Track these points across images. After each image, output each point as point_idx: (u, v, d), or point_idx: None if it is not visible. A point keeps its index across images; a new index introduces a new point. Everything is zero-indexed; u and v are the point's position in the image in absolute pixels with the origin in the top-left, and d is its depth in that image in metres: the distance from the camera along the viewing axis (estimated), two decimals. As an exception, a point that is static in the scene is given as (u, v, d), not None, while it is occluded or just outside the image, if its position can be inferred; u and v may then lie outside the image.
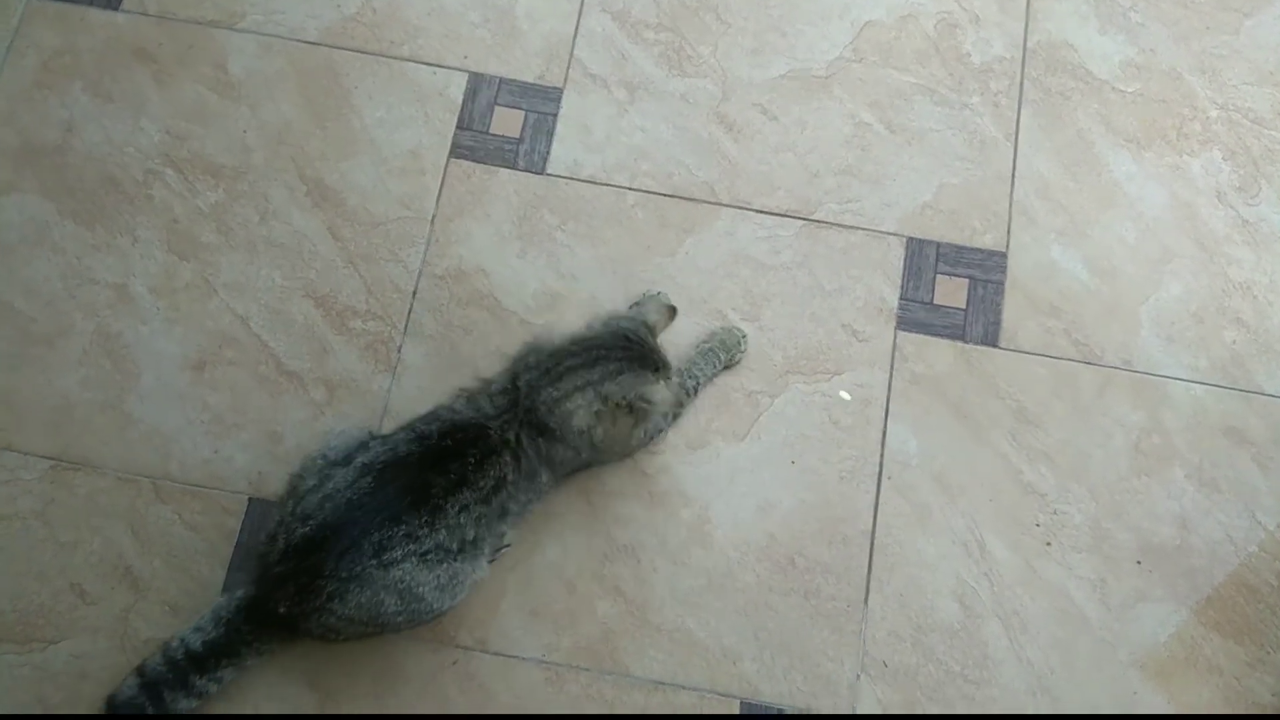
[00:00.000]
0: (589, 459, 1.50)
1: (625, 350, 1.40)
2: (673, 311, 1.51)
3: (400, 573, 1.33)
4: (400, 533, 1.32)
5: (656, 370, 1.42)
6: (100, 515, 1.54)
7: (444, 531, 1.34)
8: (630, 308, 1.49)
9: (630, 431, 1.49)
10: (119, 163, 1.72)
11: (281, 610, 1.35)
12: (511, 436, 1.39)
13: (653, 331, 1.45)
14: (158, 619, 1.50)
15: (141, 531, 1.54)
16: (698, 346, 1.61)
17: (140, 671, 1.39)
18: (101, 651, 1.48)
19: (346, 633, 1.40)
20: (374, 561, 1.32)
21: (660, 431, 1.57)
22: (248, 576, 1.43)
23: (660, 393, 1.43)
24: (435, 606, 1.39)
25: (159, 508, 1.55)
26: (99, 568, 1.52)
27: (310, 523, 1.33)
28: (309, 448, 1.46)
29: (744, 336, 1.63)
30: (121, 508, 1.55)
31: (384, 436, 1.42)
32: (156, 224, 1.69)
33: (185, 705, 1.39)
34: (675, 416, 1.58)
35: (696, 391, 1.59)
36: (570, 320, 1.65)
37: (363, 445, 1.40)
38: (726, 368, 1.62)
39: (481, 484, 1.36)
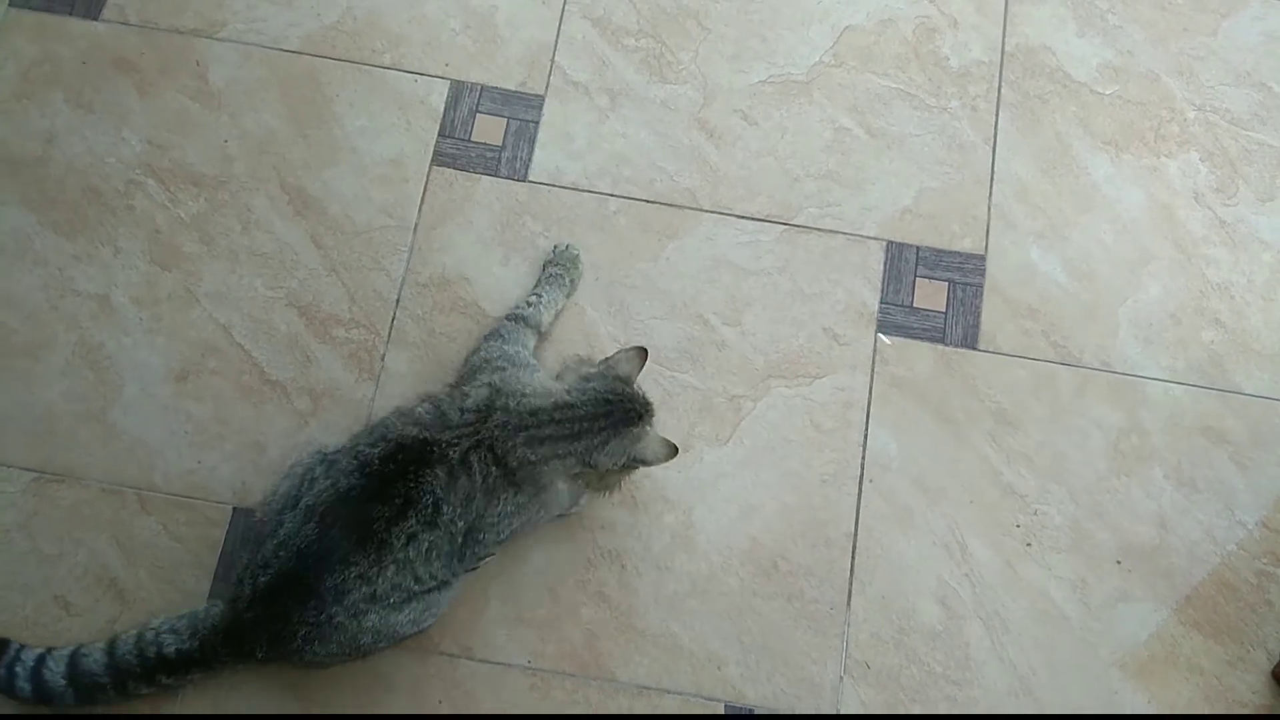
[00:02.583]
0: (539, 517, 1.46)
1: (607, 416, 1.38)
2: (643, 354, 1.46)
3: (373, 620, 1.33)
4: (353, 574, 1.31)
5: (639, 419, 1.40)
6: (84, 527, 1.54)
7: (393, 567, 1.32)
8: (600, 364, 1.45)
9: (615, 483, 1.48)
10: (100, 173, 1.72)
11: (259, 656, 1.36)
12: (457, 454, 1.34)
13: (627, 381, 1.42)
14: (143, 629, 1.50)
15: (126, 543, 1.54)
16: (538, 281, 1.65)
17: (111, 650, 1.38)
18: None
19: (330, 664, 1.42)
20: (338, 608, 1.31)
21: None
22: (227, 592, 1.42)
23: (652, 444, 1.41)
24: (415, 631, 1.41)
25: (143, 519, 1.55)
26: (83, 580, 1.52)
27: (269, 570, 1.33)
28: (293, 457, 1.46)
29: (574, 246, 1.66)
30: (105, 519, 1.55)
31: (330, 461, 1.38)
32: (138, 234, 1.69)
33: (146, 692, 1.40)
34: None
35: (552, 323, 1.62)
36: (553, 328, 1.65)
37: (310, 479, 1.36)
38: (572, 286, 1.65)
39: (425, 504, 1.32)
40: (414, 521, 1.32)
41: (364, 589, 1.31)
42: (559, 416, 1.38)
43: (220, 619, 1.37)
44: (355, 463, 1.34)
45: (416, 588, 1.35)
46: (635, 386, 1.43)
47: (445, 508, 1.34)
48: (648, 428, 1.41)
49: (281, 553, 1.33)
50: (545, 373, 1.50)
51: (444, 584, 1.39)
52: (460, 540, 1.37)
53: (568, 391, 1.40)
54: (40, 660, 1.38)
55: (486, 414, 1.37)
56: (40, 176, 1.71)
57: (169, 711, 1.46)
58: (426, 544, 1.34)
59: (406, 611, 1.36)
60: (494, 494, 1.37)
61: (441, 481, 1.33)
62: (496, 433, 1.36)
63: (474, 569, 1.48)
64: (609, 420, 1.38)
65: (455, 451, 1.34)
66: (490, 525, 1.39)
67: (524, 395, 1.39)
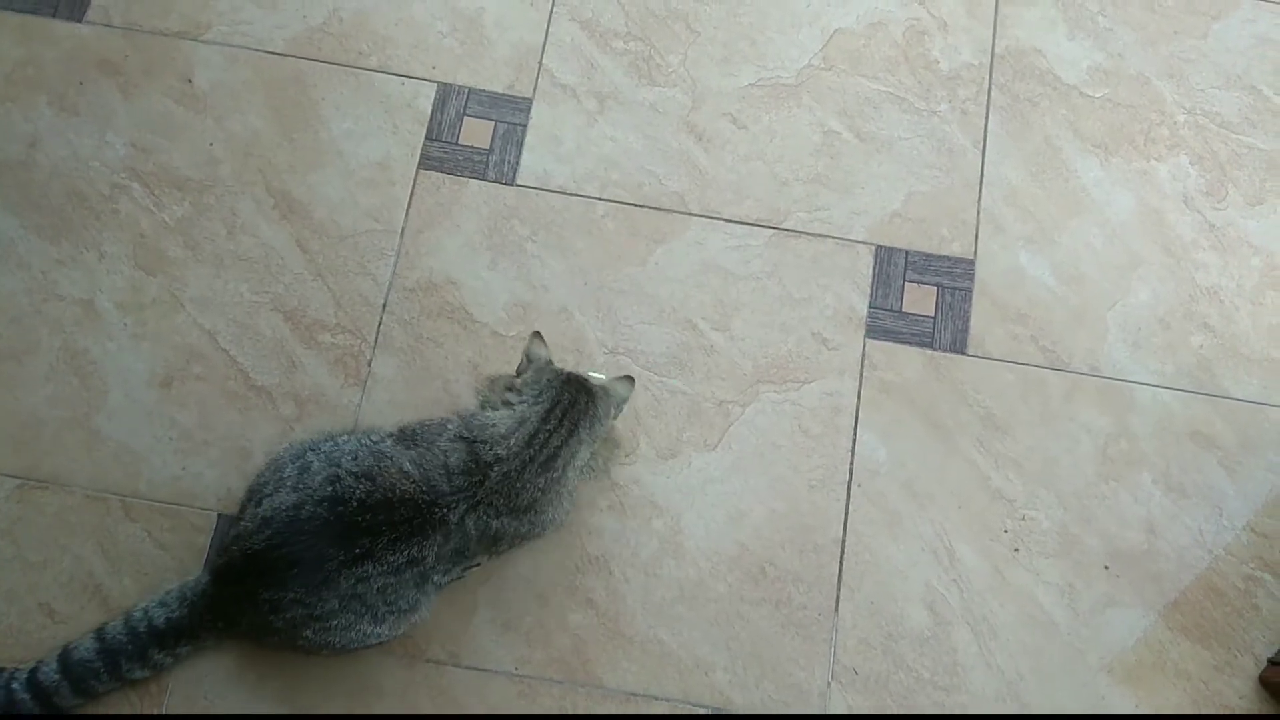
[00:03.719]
0: (538, 533, 1.46)
1: (576, 392, 1.40)
2: (539, 335, 1.48)
3: (307, 634, 1.33)
4: (289, 598, 1.30)
5: (588, 378, 1.44)
6: (69, 534, 1.54)
7: (335, 601, 1.30)
8: (519, 368, 1.46)
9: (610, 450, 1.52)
10: (84, 177, 1.70)
11: (219, 626, 1.40)
12: (455, 517, 1.33)
13: (551, 361, 1.45)
14: (128, 637, 1.49)
15: (111, 550, 1.53)
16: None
17: (100, 636, 1.39)
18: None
19: (284, 649, 1.43)
20: (274, 617, 1.32)
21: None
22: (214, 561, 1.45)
23: (615, 387, 1.45)
24: (366, 646, 1.41)
25: (128, 525, 1.54)
26: (68, 587, 1.51)
27: (223, 558, 1.37)
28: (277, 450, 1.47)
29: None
30: (90, 526, 1.54)
31: (303, 466, 1.35)
32: (123, 238, 1.68)
33: (139, 675, 1.42)
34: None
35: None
36: (541, 327, 1.65)
37: (279, 479, 1.35)
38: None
39: (392, 560, 1.30)
40: (371, 569, 1.30)
41: (300, 611, 1.31)
42: (551, 425, 1.38)
43: (208, 587, 1.40)
44: (330, 491, 1.30)
45: (364, 615, 1.34)
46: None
47: (424, 565, 1.33)
48: (597, 377, 1.45)
49: (235, 547, 1.35)
50: (473, 406, 1.48)
51: (397, 614, 1.37)
52: (431, 577, 1.38)
53: (535, 401, 1.38)
54: (34, 669, 1.39)
55: (479, 472, 1.34)
56: (23, 180, 1.70)
57: (157, 713, 1.46)
58: (380, 585, 1.32)
59: (343, 637, 1.35)
60: (496, 535, 1.38)
61: (435, 545, 1.33)
62: (499, 487, 1.34)
63: (460, 577, 1.48)
64: (585, 394, 1.40)
65: (453, 515, 1.33)
66: (485, 550, 1.42)
67: (501, 435, 1.36)
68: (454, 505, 1.33)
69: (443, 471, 1.34)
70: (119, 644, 1.39)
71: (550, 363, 1.45)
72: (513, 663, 1.51)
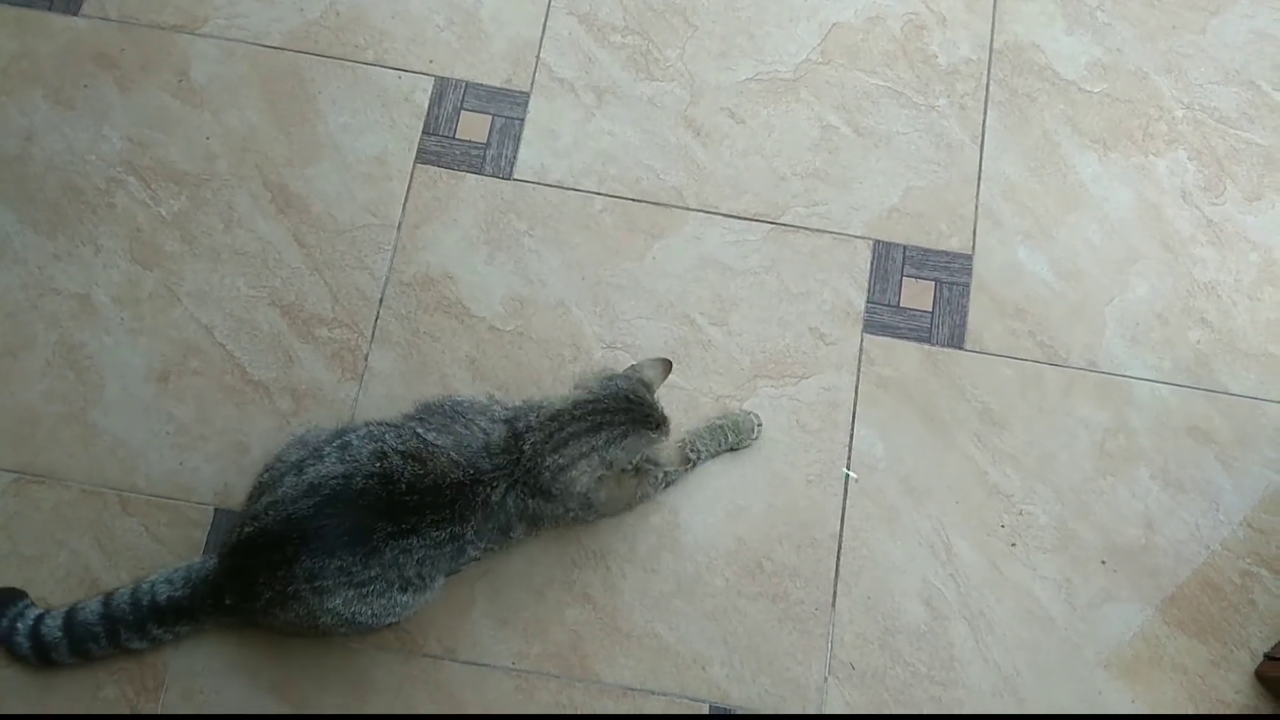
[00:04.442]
0: (578, 518, 1.49)
1: (627, 412, 1.38)
2: (668, 365, 1.47)
3: (337, 602, 1.33)
4: (333, 566, 1.31)
5: (657, 428, 1.41)
6: (65, 528, 1.53)
7: (378, 569, 1.33)
8: (627, 369, 1.45)
9: (632, 492, 1.50)
10: (81, 171, 1.70)
11: (228, 602, 1.39)
12: (496, 496, 1.36)
13: (650, 388, 1.43)
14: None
15: (107, 544, 1.53)
16: (709, 422, 1.58)
17: (107, 602, 1.42)
18: (68, 666, 1.47)
19: (293, 631, 1.42)
20: (307, 586, 1.32)
21: (648, 496, 1.55)
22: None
23: (665, 452, 1.44)
24: (376, 625, 1.40)
25: (125, 520, 1.54)
26: (65, 581, 1.51)
27: (255, 524, 1.35)
28: (299, 430, 1.49)
29: (759, 425, 1.59)
30: (87, 520, 1.54)
31: (345, 444, 1.37)
32: (119, 233, 1.67)
33: (136, 645, 1.44)
34: (669, 483, 1.56)
35: (696, 465, 1.57)
36: (537, 327, 1.65)
37: (316, 453, 1.36)
38: (731, 449, 1.59)
39: (435, 536, 1.34)
40: (415, 542, 1.33)
41: (340, 578, 1.32)
42: (579, 413, 1.38)
43: (212, 571, 1.41)
44: (378, 467, 1.33)
45: (394, 583, 1.35)
46: (656, 396, 1.43)
47: (466, 541, 1.36)
48: (664, 437, 1.42)
49: (271, 512, 1.34)
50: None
51: (421, 588, 1.39)
52: (475, 549, 1.40)
53: (588, 390, 1.40)
54: (40, 618, 1.43)
55: (516, 446, 1.37)
56: (19, 174, 1.69)
57: (152, 712, 1.46)
58: (421, 556, 1.35)
59: (375, 605, 1.36)
60: (534, 515, 1.41)
61: (475, 523, 1.36)
62: (531, 463, 1.36)
63: (457, 570, 1.48)
64: (628, 416, 1.38)
65: (495, 494, 1.36)
66: (530, 528, 1.45)
67: (542, 406, 1.40)
68: (495, 484, 1.36)
69: (484, 451, 1.37)
70: (122, 613, 1.42)
71: (648, 385, 1.42)
72: (510, 657, 1.51)
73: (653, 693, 1.50)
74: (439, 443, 1.37)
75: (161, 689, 1.47)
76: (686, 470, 1.57)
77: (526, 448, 1.36)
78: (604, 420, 1.37)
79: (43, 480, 1.56)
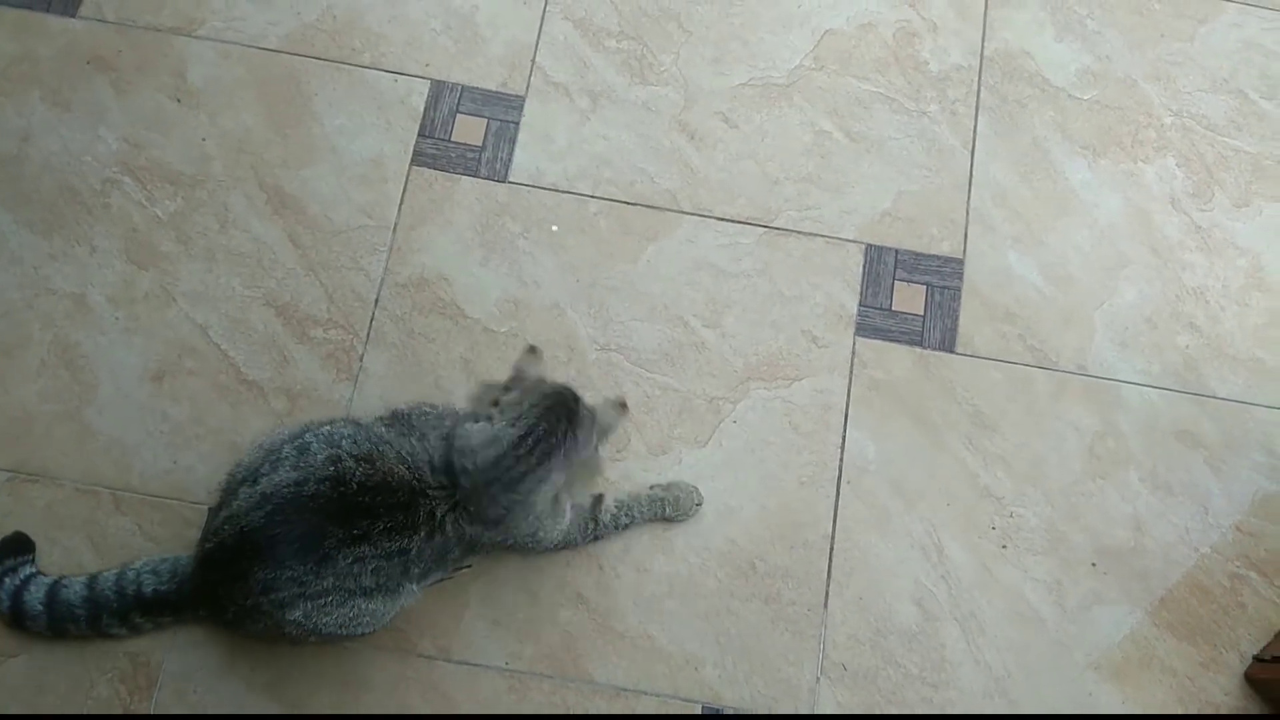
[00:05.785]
0: (511, 544, 1.46)
1: (560, 420, 1.33)
2: (537, 350, 1.43)
3: (298, 614, 1.32)
4: (285, 576, 1.29)
5: (578, 401, 1.36)
6: (59, 527, 1.53)
7: (331, 578, 1.30)
8: (509, 380, 1.41)
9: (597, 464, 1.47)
10: (77, 171, 1.70)
11: (201, 613, 1.40)
12: (439, 514, 1.33)
13: (542, 379, 1.39)
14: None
15: (101, 543, 1.53)
16: (651, 490, 1.57)
17: (91, 585, 1.43)
18: (61, 664, 1.47)
19: (268, 639, 1.42)
20: (265, 599, 1.30)
21: (574, 543, 1.52)
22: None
23: (606, 413, 1.40)
24: (350, 634, 1.39)
25: (119, 519, 1.54)
26: (57, 580, 1.51)
27: (212, 540, 1.35)
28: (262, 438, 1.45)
29: (698, 505, 1.57)
30: (81, 519, 1.54)
31: (302, 447, 1.34)
32: (115, 233, 1.68)
33: (117, 631, 1.45)
34: (596, 537, 1.54)
35: (627, 529, 1.55)
36: (531, 329, 1.65)
37: (275, 455, 1.34)
38: (666, 520, 1.57)
39: (386, 546, 1.31)
40: (368, 549, 1.30)
41: (294, 590, 1.30)
42: (522, 452, 1.31)
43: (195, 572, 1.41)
44: (332, 471, 1.30)
45: (354, 591, 1.33)
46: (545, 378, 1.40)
47: (412, 556, 1.33)
48: (587, 406, 1.38)
49: (227, 527, 1.33)
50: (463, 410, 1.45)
51: (390, 591, 1.36)
52: (417, 568, 1.36)
53: (512, 424, 1.32)
54: (26, 581, 1.43)
55: (453, 477, 1.33)
56: (16, 175, 1.70)
57: (145, 711, 1.46)
58: (375, 566, 1.32)
59: (338, 615, 1.34)
60: (472, 541, 1.38)
61: (420, 539, 1.33)
62: (467, 498, 1.33)
63: (449, 577, 1.48)
64: (565, 423, 1.33)
65: (439, 511, 1.33)
66: (467, 553, 1.42)
67: (472, 449, 1.32)
68: (439, 501, 1.33)
69: (428, 465, 1.34)
70: (105, 599, 1.42)
71: (541, 380, 1.39)
72: (503, 658, 1.51)
73: (645, 693, 1.51)
74: (390, 441, 1.35)
75: (155, 688, 1.47)
76: (616, 531, 1.55)
77: (464, 483, 1.32)
78: (550, 448, 1.32)
79: (37, 479, 1.56)
